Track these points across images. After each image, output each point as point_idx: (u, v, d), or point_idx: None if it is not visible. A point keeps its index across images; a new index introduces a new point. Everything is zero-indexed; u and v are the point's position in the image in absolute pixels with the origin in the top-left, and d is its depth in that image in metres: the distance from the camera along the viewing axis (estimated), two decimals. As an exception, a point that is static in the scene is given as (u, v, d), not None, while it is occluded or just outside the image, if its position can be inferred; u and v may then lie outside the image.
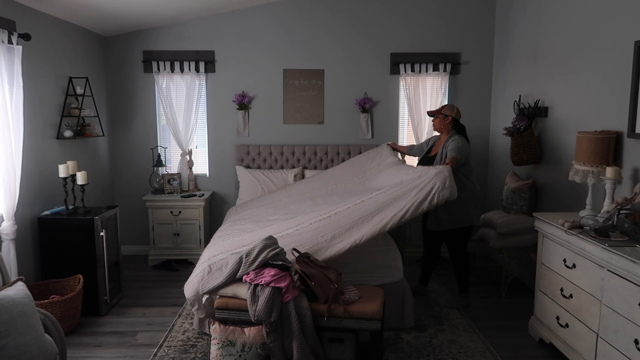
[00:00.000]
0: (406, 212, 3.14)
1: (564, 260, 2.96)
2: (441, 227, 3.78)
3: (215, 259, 3.18)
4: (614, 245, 2.48)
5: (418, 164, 4.06)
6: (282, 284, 2.77)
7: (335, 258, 3.15)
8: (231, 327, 2.79)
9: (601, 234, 2.64)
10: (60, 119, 4.16)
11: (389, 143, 4.46)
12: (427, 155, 4.02)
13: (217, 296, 2.97)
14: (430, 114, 4.00)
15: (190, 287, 3.15)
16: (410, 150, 4.39)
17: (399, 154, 4.46)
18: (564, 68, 3.87)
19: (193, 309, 3.21)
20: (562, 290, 2.99)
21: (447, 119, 3.85)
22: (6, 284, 2.53)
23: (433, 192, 3.13)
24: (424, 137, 5.16)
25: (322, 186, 4.33)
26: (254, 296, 2.75)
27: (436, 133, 4.12)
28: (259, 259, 2.86)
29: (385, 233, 4.00)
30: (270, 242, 3.00)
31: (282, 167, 5.24)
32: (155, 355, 3.16)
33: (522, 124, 4.17)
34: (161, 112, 5.25)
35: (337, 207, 3.37)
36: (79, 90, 4.30)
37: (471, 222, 3.78)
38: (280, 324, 2.75)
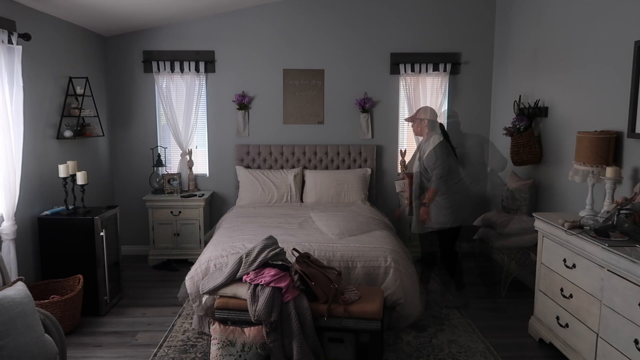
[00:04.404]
0: None
1: (564, 260, 2.96)
2: (420, 230, 3.94)
3: (221, 260, 3.19)
4: (614, 245, 2.48)
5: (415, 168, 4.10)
6: (282, 284, 2.77)
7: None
8: (231, 327, 2.79)
9: (601, 234, 2.64)
10: (60, 119, 4.16)
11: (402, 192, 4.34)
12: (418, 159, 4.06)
13: (217, 296, 2.97)
14: (407, 120, 4.10)
15: (192, 283, 3.15)
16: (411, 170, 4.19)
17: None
18: (564, 68, 3.87)
19: (194, 305, 3.21)
20: (562, 290, 2.99)
21: (422, 122, 3.90)
22: (6, 284, 2.53)
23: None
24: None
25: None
26: (254, 296, 2.75)
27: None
28: (259, 259, 2.87)
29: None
30: (270, 242, 3.00)
31: (282, 167, 5.24)
32: (155, 355, 3.15)
33: (522, 124, 4.17)
34: (161, 112, 5.24)
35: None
36: (79, 90, 4.30)
37: (456, 223, 3.80)
38: (280, 324, 2.75)
